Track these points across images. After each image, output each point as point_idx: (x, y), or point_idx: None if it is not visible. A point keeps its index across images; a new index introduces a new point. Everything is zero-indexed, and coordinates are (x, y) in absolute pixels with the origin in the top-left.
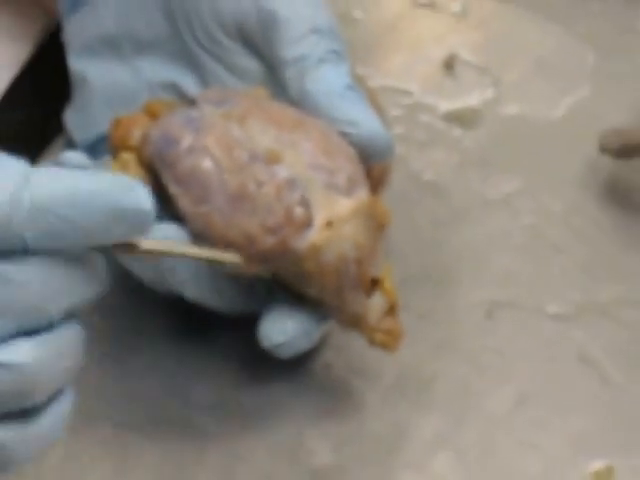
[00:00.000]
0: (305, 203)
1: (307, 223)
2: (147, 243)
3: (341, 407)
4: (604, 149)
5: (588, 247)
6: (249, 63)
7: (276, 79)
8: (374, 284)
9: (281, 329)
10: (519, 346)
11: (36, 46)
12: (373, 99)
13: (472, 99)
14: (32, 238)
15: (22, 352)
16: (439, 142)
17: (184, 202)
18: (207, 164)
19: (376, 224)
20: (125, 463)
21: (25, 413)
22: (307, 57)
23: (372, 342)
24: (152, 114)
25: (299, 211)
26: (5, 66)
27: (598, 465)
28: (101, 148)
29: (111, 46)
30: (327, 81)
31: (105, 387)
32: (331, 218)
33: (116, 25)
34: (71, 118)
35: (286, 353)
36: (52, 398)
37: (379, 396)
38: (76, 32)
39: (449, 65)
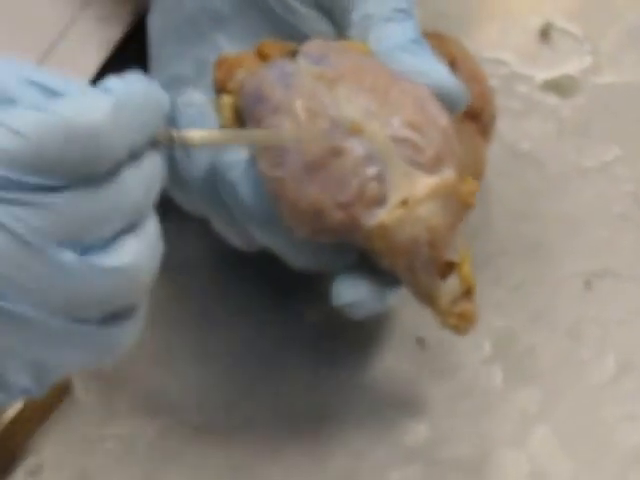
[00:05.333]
0: (381, 179)
1: (379, 200)
2: (196, 134)
3: (434, 382)
4: None
5: None
6: (323, 29)
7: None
8: (450, 267)
9: (353, 288)
10: (619, 316)
11: (127, 29)
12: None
13: (569, 68)
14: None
15: (129, 252)
16: (535, 112)
17: (262, 164)
18: (288, 127)
19: (458, 205)
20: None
21: (129, 311)
22: (372, 15)
23: (444, 324)
24: (263, 55)
25: (372, 187)
26: (96, 48)
27: None
28: None
29: (191, 24)
30: (390, 38)
31: (189, 368)
32: (407, 197)
33: (196, 5)
34: None
35: (358, 314)
36: None
37: (474, 370)
38: (160, 13)
39: (545, 33)
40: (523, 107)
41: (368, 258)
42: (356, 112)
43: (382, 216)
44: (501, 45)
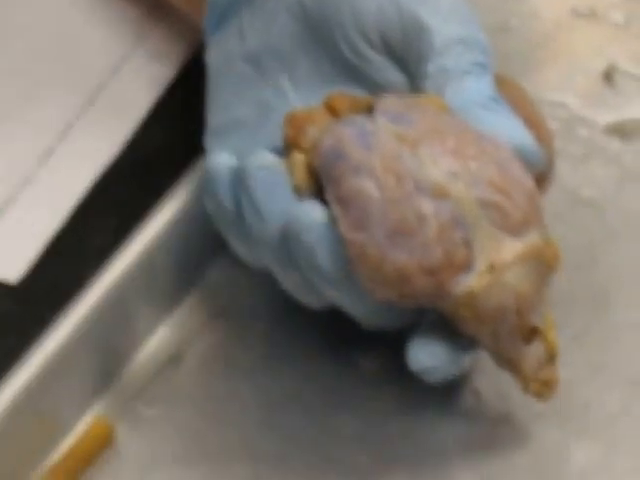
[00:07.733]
0: (468, 244)
1: (467, 266)
2: None
3: (490, 435)
4: None
5: None
6: (394, 77)
7: (418, 92)
8: (534, 332)
9: (431, 353)
10: None
11: (182, 65)
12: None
13: (633, 111)
14: None
15: None
16: (598, 156)
17: (343, 225)
18: (371, 188)
19: (543, 269)
20: None
21: None
22: (449, 69)
23: (526, 390)
24: (333, 110)
25: (460, 253)
26: (150, 86)
27: None
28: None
29: (253, 62)
30: (468, 93)
31: (245, 418)
32: (494, 262)
33: (259, 43)
34: (210, 141)
35: (434, 378)
36: None
37: (530, 423)
38: (219, 51)
39: (608, 76)
40: (584, 151)
41: (444, 320)
42: (440, 174)
43: (470, 283)
44: (563, 87)
